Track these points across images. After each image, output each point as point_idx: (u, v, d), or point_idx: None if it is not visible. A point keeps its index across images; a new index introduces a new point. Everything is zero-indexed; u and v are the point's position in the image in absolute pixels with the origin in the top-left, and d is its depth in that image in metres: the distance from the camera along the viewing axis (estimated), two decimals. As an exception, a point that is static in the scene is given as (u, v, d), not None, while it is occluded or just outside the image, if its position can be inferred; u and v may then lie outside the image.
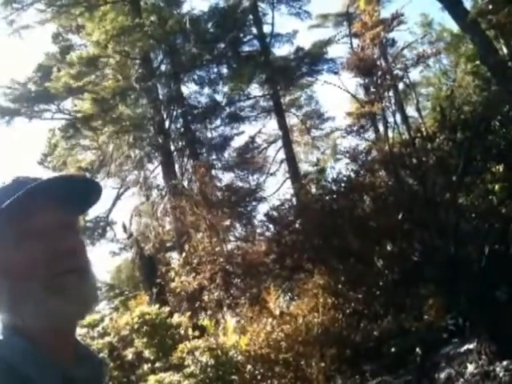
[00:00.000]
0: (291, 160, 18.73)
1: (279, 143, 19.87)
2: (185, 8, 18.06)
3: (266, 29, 19.04)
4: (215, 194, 12.25)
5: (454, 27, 18.19)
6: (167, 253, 15.04)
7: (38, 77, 17.23)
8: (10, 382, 0.87)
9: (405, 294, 7.53)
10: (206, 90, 18.62)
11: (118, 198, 18.42)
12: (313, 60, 19.22)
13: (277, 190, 17.83)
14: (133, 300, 9.64)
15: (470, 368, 5.79)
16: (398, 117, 16.48)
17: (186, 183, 14.94)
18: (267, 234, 10.23)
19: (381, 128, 16.85)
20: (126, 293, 18.50)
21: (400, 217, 7.52)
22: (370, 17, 12.79)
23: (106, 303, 18.81)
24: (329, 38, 20.47)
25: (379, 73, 11.58)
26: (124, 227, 15.57)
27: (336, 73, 19.03)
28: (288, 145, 18.93)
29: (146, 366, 6.72)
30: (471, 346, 6.12)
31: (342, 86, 19.29)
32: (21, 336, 0.91)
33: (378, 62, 12.89)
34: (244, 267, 9.34)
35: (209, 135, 18.62)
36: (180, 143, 17.37)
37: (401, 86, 18.32)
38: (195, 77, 18.23)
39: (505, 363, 5.40)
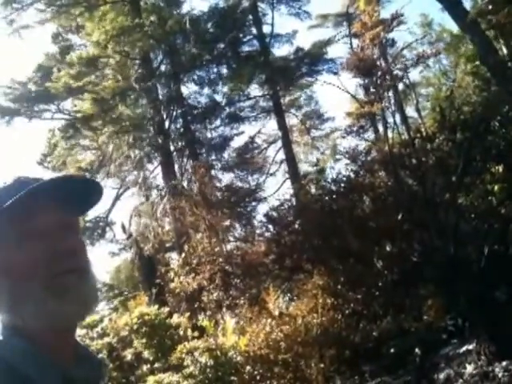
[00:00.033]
0: (291, 160, 18.73)
1: (279, 143, 19.89)
2: (185, 8, 18.09)
3: (266, 29, 19.09)
4: (215, 194, 12.25)
5: (454, 27, 18.21)
6: (166, 253, 15.04)
7: (37, 77, 17.23)
8: (10, 382, 0.87)
9: (404, 294, 7.53)
10: (206, 91, 18.65)
11: (117, 198, 18.42)
12: (312, 60, 19.22)
13: (276, 190, 17.84)
14: (132, 300, 9.64)
15: (469, 368, 5.79)
16: (398, 117, 16.50)
17: (185, 183, 14.95)
18: (267, 234, 10.24)
19: (380, 128, 16.87)
20: (126, 293, 18.50)
21: (399, 217, 7.52)
22: (369, 17, 12.79)
23: (106, 304, 18.81)
24: (328, 38, 20.50)
25: (379, 73, 11.58)
26: (123, 227, 15.56)
27: (336, 73, 19.06)
28: (288, 145, 18.94)
29: (145, 367, 6.71)
30: (470, 347, 6.12)
31: (341, 87, 19.32)
32: (21, 336, 0.91)
33: (378, 63, 12.89)
34: (243, 268, 9.34)
35: (208, 135, 18.64)
36: (180, 143, 17.38)
37: (400, 86, 18.35)
38: (195, 77, 18.25)
39: (504, 364, 5.40)
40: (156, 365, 6.65)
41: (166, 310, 7.51)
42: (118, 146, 16.88)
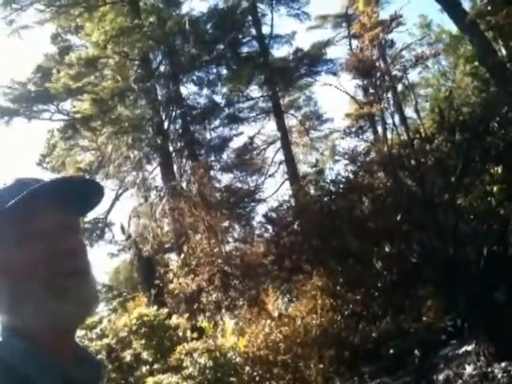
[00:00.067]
0: (290, 161, 18.74)
1: (278, 144, 19.91)
2: (184, 9, 18.11)
3: (265, 30, 19.11)
4: (214, 195, 12.24)
5: (453, 28, 18.23)
6: (165, 254, 15.03)
7: (37, 78, 17.22)
8: (10, 383, 0.87)
9: (403, 295, 7.53)
10: (205, 91, 18.66)
11: (116, 199, 18.42)
12: (312, 61, 19.23)
13: (275, 191, 17.85)
14: (131, 301, 9.61)
15: (469, 369, 5.78)
16: (397, 118, 16.47)
17: (184, 184, 14.94)
18: (266, 235, 10.24)
19: (379, 129, 16.90)
20: (125, 294, 18.47)
21: (399, 218, 7.52)
22: (368, 18, 12.80)
23: (105, 305, 18.78)
24: (328, 39, 20.56)
25: (378, 74, 11.58)
26: (122, 228, 15.55)
27: (335, 74, 19.07)
28: (287, 146, 18.95)
29: (144, 368, 6.70)
30: (470, 348, 6.12)
31: (340, 88, 19.32)
32: (21, 337, 0.91)
33: (377, 63, 12.89)
34: (242, 269, 9.33)
35: (208, 136, 18.66)
36: (179, 144, 17.38)
37: (400, 87, 18.33)
38: (194, 78, 18.26)
39: (503, 364, 5.40)
40: (155, 366, 6.64)
41: (165, 311, 7.50)
42: (116, 147, 16.88)
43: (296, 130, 22.56)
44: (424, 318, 7.45)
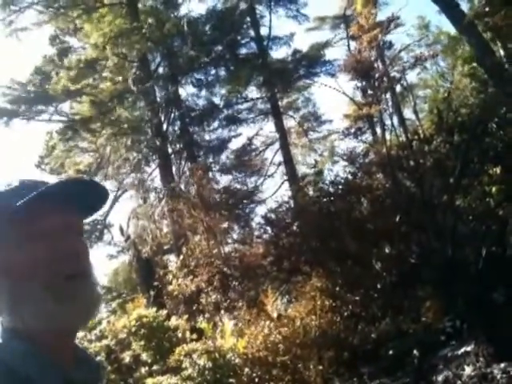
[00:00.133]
0: (289, 162, 18.75)
1: (277, 145, 19.91)
2: (182, 10, 18.13)
3: (264, 31, 19.12)
4: (213, 196, 12.24)
5: (451, 29, 18.26)
6: (165, 255, 15.01)
7: (36, 79, 17.22)
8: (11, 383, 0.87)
9: (402, 296, 7.54)
10: (204, 93, 18.69)
11: (115, 200, 18.39)
12: (310, 62, 19.25)
13: (274, 192, 17.87)
14: (130, 303, 9.60)
15: (468, 370, 5.79)
16: (395, 119, 16.51)
17: (183, 186, 14.92)
18: (265, 236, 10.24)
19: (378, 130, 16.91)
20: (124, 296, 18.46)
21: (397, 219, 7.54)
22: (366, 19, 12.84)
23: (104, 306, 18.76)
24: (326, 40, 20.57)
25: (376, 75, 11.62)
26: (121, 230, 15.53)
27: (333, 75, 19.10)
28: (285, 147, 18.96)
29: (143, 369, 6.69)
30: (469, 348, 6.12)
31: (339, 89, 19.34)
32: (21, 338, 0.91)
33: (375, 65, 12.93)
34: (242, 270, 9.33)
35: (206, 137, 18.68)
36: (177, 145, 17.39)
37: (398, 88, 18.41)
38: (193, 79, 18.28)
39: (502, 365, 5.41)
40: (154, 367, 6.63)
41: (164, 312, 7.49)
42: (115, 149, 16.88)
43: (295, 131, 22.55)
44: (423, 319, 7.45)
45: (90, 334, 7.20)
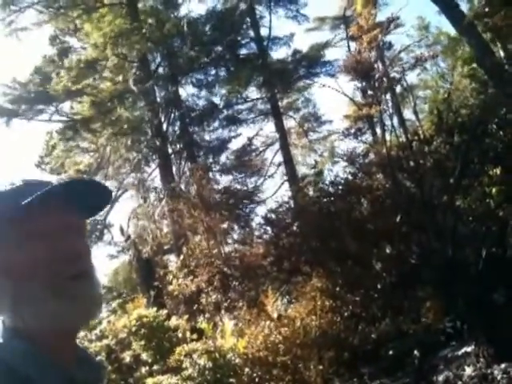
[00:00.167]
0: (289, 162, 18.76)
1: (277, 146, 19.93)
2: (182, 11, 18.16)
3: (264, 32, 19.13)
4: (213, 196, 12.25)
5: (451, 30, 18.29)
6: (165, 255, 15.03)
7: (36, 79, 17.22)
8: (11, 383, 0.87)
9: (403, 296, 7.54)
10: (204, 93, 18.69)
11: (115, 200, 18.39)
12: (310, 63, 19.26)
13: (274, 192, 17.87)
14: (130, 303, 9.60)
15: (468, 371, 5.80)
16: (396, 120, 16.51)
17: (183, 186, 14.94)
18: (265, 236, 10.23)
19: (378, 131, 16.91)
20: (124, 295, 18.45)
21: (398, 219, 7.54)
22: (366, 20, 12.85)
23: (104, 306, 18.76)
24: (326, 41, 20.59)
25: (376, 76, 11.63)
26: (121, 230, 15.52)
27: (333, 76, 19.09)
28: (285, 147, 18.97)
29: (143, 369, 6.69)
30: (469, 349, 6.13)
31: (339, 89, 19.33)
32: (21, 338, 0.91)
33: (375, 65, 12.94)
34: (242, 270, 9.33)
35: (206, 138, 18.69)
36: (177, 146, 17.39)
37: (398, 88, 18.40)
38: (193, 79, 18.29)
39: (503, 366, 5.41)
40: (155, 367, 6.64)
41: (164, 312, 7.49)
42: (116, 149, 16.89)
43: (295, 132, 22.56)
44: (423, 320, 7.46)
45: (90, 334, 7.20)
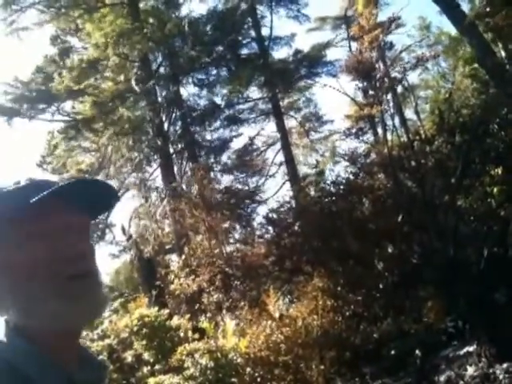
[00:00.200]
0: (290, 162, 18.77)
1: (278, 145, 19.94)
2: (183, 11, 18.21)
3: (265, 32, 19.15)
4: (214, 196, 12.26)
5: (452, 30, 18.27)
6: (166, 255, 15.03)
7: (37, 78, 17.24)
8: (12, 382, 0.87)
9: (404, 296, 7.54)
10: (205, 93, 18.71)
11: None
12: (311, 63, 19.27)
13: (276, 192, 17.88)
14: (132, 302, 9.61)
15: (470, 370, 5.80)
16: (397, 119, 16.54)
17: (184, 185, 14.94)
18: (266, 236, 10.24)
19: (379, 131, 16.92)
20: (126, 295, 18.46)
21: (399, 219, 7.54)
22: (367, 20, 12.85)
23: (105, 305, 18.73)
24: (327, 40, 20.62)
25: (378, 76, 11.62)
26: (123, 229, 15.54)
27: (335, 76, 19.12)
28: (287, 147, 18.97)
29: (145, 369, 6.69)
30: (471, 349, 6.13)
31: (340, 89, 19.34)
32: (23, 337, 0.91)
33: (377, 65, 12.93)
34: (243, 269, 9.34)
35: (208, 137, 18.72)
36: (179, 145, 17.41)
37: (399, 88, 18.40)
38: (194, 79, 18.31)
39: (505, 366, 5.41)
40: (156, 366, 6.64)
41: (166, 311, 7.49)
42: (117, 148, 16.90)
43: (296, 132, 22.57)
44: (425, 319, 7.46)
45: (92, 334, 7.21)
